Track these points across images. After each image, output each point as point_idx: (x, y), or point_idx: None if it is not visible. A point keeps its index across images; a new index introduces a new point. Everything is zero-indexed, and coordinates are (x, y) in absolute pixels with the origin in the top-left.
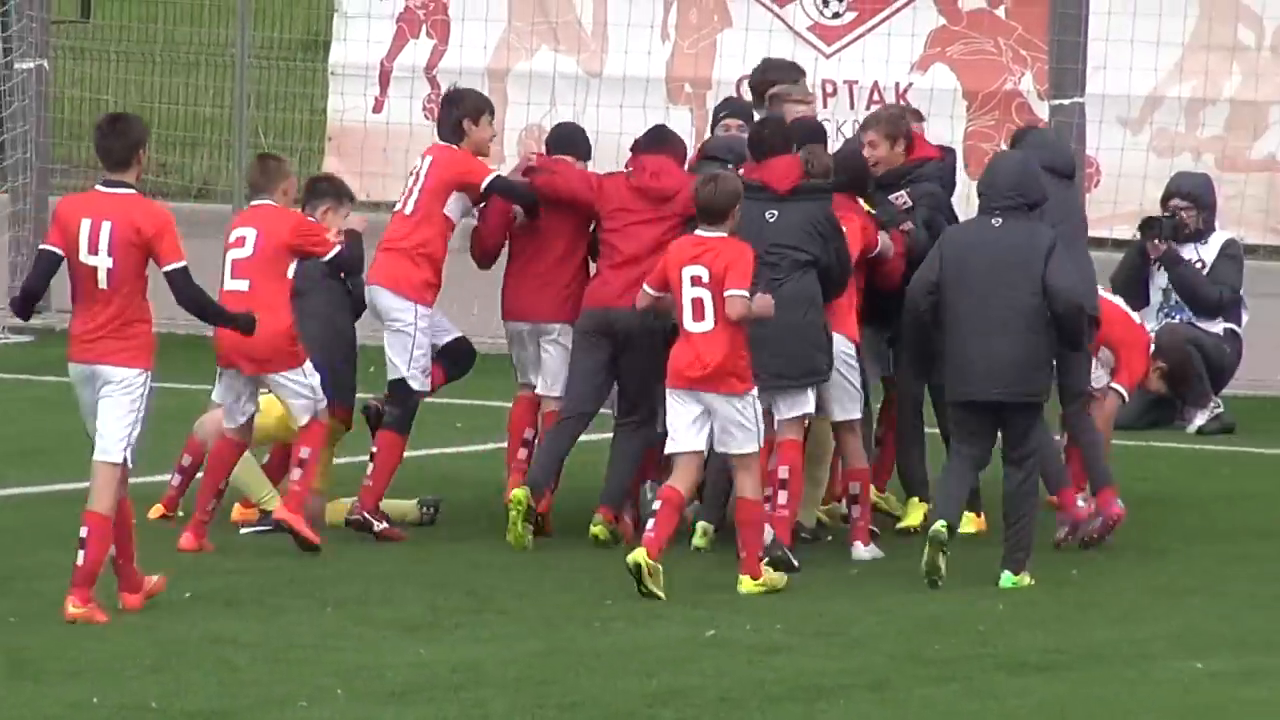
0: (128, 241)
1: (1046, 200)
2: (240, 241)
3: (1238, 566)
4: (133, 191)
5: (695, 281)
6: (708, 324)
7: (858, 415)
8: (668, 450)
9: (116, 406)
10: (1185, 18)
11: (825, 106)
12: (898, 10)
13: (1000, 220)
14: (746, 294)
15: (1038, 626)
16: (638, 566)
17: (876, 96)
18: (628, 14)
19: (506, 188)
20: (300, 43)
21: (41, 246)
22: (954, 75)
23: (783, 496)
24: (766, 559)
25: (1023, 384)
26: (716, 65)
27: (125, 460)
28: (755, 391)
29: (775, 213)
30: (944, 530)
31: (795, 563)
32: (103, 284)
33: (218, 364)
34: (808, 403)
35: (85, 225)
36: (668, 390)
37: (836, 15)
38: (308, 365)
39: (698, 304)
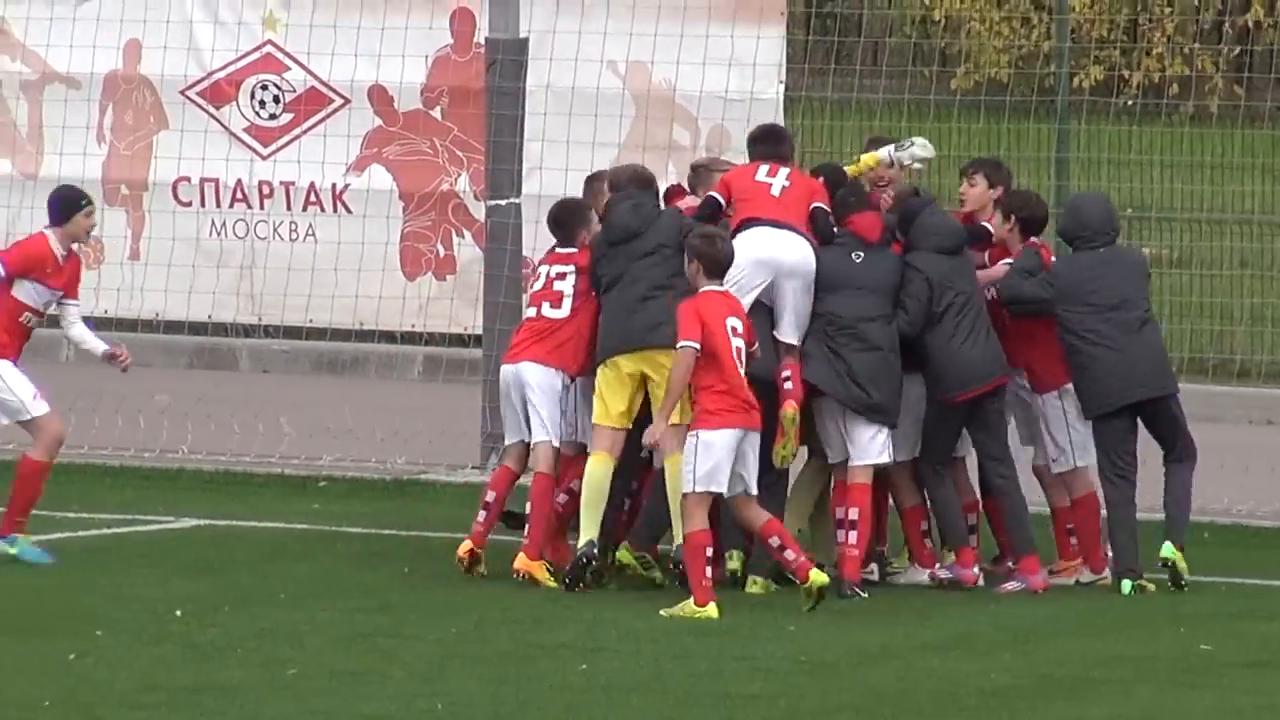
0: None
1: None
2: None
3: (676, 663)
4: None
5: (734, 332)
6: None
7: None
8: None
9: None
10: (621, 118)
11: (262, 208)
12: (333, 112)
13: (1104, 250)
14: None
15: None
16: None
17: (313, 198)
18: (63, 116)
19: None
20: None
21: None
22: (390, 176)
23: (852, 536)
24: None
25: (1163, 380)
26: (152, 167)
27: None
28: None
29: (861, 254)
30: (1131, 586)
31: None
32: None
33: None
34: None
35: None
36: (723, 432)
37: (273, 117)
38: None
39: (739, 353)
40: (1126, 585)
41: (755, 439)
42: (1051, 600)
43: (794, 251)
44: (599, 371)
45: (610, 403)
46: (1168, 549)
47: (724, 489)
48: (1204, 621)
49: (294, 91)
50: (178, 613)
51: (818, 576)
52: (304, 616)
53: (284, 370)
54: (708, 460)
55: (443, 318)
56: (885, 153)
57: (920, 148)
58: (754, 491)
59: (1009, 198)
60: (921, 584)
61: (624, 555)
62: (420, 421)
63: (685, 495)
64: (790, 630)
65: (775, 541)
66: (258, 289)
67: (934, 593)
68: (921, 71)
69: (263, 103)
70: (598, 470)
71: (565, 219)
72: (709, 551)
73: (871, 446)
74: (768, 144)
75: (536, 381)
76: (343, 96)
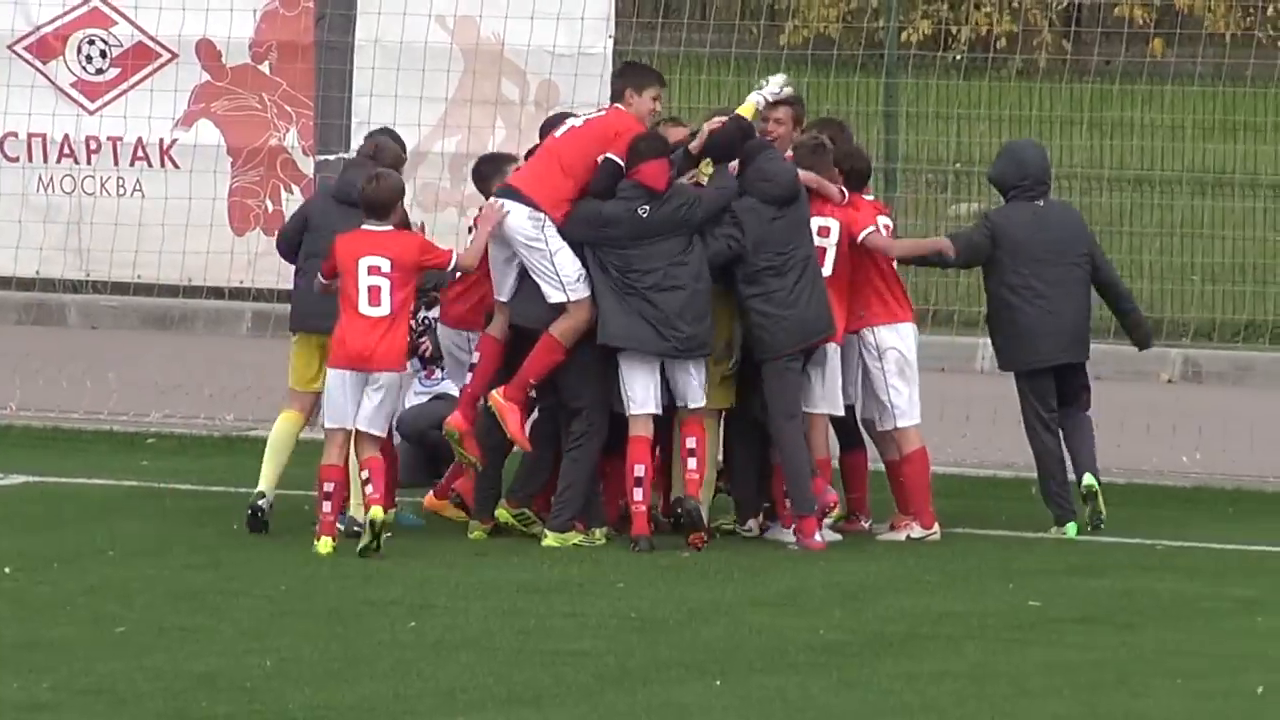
0: None
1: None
2: None
3: (504, 620)
4: None
5: (373, 271)
6: (384, 309)
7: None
8: (334, 425)
9: None
10: (449, 73)
11: (90, 163)
12: (160, 67)
13: (1042, 202)
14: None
15: (306, 684)
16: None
17: (141, 153)
18: None
19: None
20: None
21: None
22: (219, 131)
23: (692, 462)
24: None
25: (1085, 345)
26: None
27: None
28: None
29: (647, 208)
30: (1075, 528)
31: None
32: None
33: None
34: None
35: None
36: (333, 370)
37: (100, 71)
38: None
39: (375, 291)
40: (1072, 528)
41: (361, 379)
42: (882, 557)
43: (510, 218)
44: (295, 340)
45: (307, 369)
46: (1090, 479)
47: (339, 424)
48: (1033, 578)
49: (121, 46)
50: (7, 570)
51: (375, 512)
52: (133, 573)
53: (112, 326)
54: (327, 395)
55: (271, 273)
56: (753, 98)
57: (777, 78)
58: (364, 429)
59: (834, 150)
60: (785, 541)
61: (502, 514)
62: (249, 377)
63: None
64: (619, 587)
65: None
66: (86, 244)
67: (766, 550)
68: (750, 26)
69: (89, 57)
70: (286, 426)
71: (486, 171)
72: (326, 487)
73: (697, 388)
74: (615, 79)
75: None
76: (170, 51)
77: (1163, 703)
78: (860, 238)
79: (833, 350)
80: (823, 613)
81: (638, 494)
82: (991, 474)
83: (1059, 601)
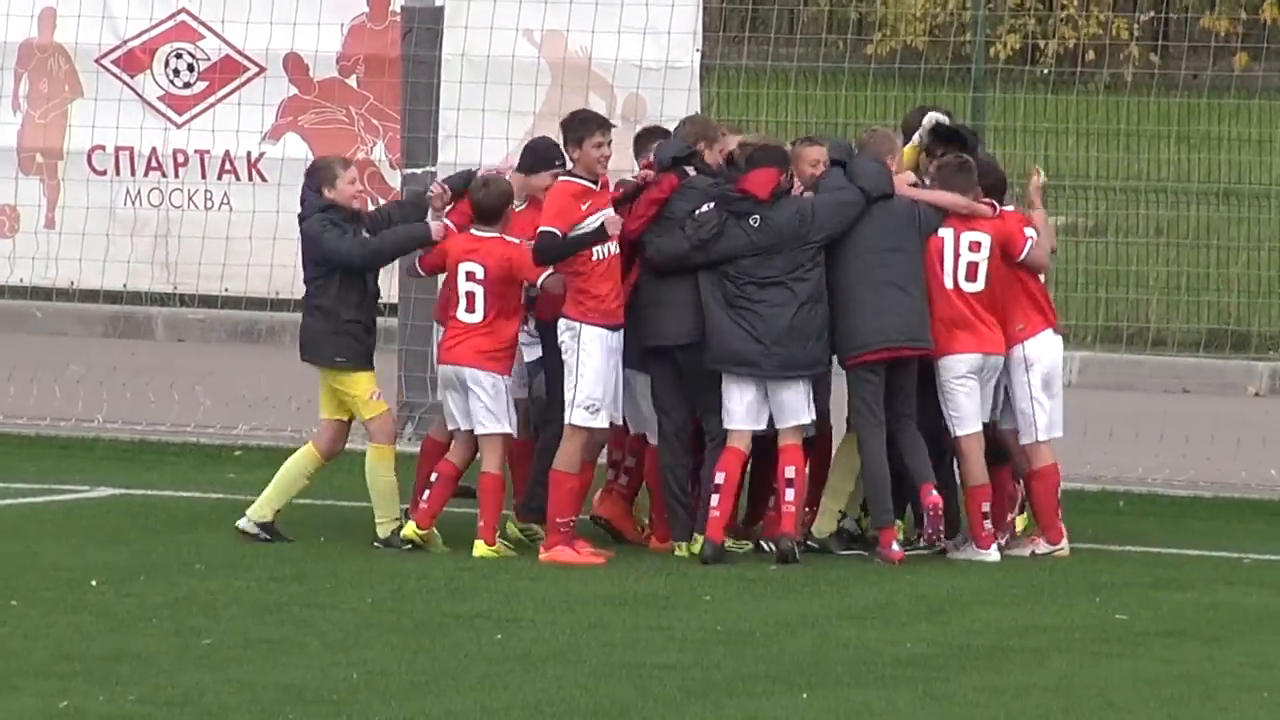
0: None
1: None
2: None
3: (591, 633)
4: None
5: (469, 277)
6: (477, 315)
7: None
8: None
9: None
10: (537, 87)
11: (177, 176)
12: (248, 80)
13: None
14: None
15: (392, 696)
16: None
17: (229, 166)
18: None
19: None
20: None
21: None
22: (306, 144)
23: (789, 493)
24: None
25: None
26: (67, 135)
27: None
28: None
29: (757, 219)
30: None
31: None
32: None
33: None
34: (806, 411)
35: None
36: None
37: (187, 85)
38: None
39: (470, 297)
40: None
41: (473, 377)
42: (968, 570)
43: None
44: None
45: (324, 395)
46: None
47: (454, 424)
48: (1120, 591)
49: (208, 59)
50: (94, 582)
51: (408, 529)
52: (220, 586)
53: (199, 339)
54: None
55: None
56: (915, 139)
57: (929, 119)
58: (477, 430)
59: None
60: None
61: (510, 528)
62: None
63: None
64: (706, 599)
65: None
66: (173, 258)
67: (852, 563)
68: (837, 40)
69: (177, 71)
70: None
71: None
72: (432, 477)
73: (799, 407)
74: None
75: None
76: (257, 65)
77: (1248, 716)
78: (1022, 257)
79: (985, 365)
80: (909, 626)
81: (714, 499)
82: (1078, 487)
83: (1145, 615)
